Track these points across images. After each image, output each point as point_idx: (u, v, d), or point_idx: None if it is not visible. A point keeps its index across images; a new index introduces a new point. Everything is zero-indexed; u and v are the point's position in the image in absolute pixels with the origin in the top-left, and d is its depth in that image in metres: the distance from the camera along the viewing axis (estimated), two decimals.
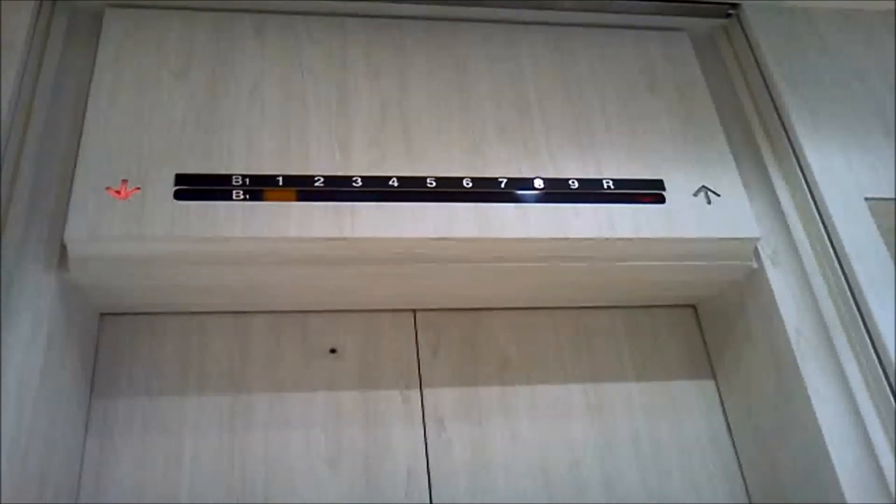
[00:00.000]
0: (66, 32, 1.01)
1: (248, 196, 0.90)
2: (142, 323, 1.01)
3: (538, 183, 0.98)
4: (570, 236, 0.95)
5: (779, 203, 1.05)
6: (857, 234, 0.99)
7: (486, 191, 0.96)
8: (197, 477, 0.94)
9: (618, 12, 1.15)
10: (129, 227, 0.85)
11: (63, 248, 0.86)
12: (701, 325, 1.16)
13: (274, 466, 0.96)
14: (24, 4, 0.95)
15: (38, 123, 0.92)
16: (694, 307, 1.17)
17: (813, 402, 0.92)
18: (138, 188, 0.88)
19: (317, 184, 0.93)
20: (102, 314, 1.01)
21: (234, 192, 0.90)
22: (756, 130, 1.11)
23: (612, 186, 0.99)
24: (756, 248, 1.01)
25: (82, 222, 0.85)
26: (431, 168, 0.96)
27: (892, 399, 0.91)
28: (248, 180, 0.91)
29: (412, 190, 0.94)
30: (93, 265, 0.87)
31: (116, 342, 1.00)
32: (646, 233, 0.97)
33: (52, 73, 0.96)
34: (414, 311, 1.09)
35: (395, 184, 0.94)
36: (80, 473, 0.92)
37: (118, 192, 0.87)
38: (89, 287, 0.91)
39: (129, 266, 0.88)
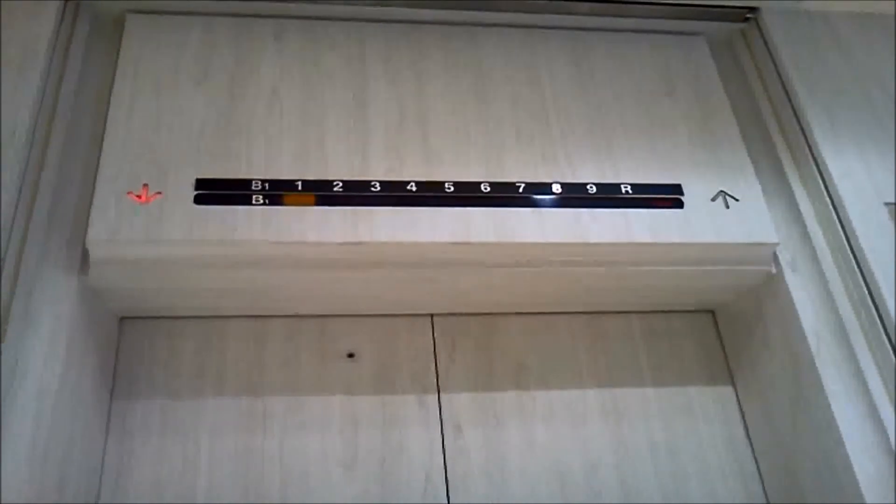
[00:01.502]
0: (88, 38, 1.02)
1: (267, 200, 0.90)
2: (161, 326, 1.02)
3: (556, 187, 0.98)
4: (588, 241, 0.95)
5: (797, 208, 1.04)
6: (877, 239, 0.98)
7: (504, 195, 0.96)
8: (214, 479, 0.94)
9: (635, 17, 1.14)
10: (150, 231, 0.86)
11: (84, 252, 0.87)
12: (719, 331, 1.15)
13: (290, 469, 0.96)
14: (46, 11, 0.96)
15: (60, 128, 0.93)
16: (712, 312, 1.17)
17: (832, 407, 0.91)
18: (160, 192, 0.89)
19: (335, 188, 0.93)
20: (122, 318, 1.01)
21: (253, 196, 0.90)
22: (774, 135, 1.10)
23: (630, 191, 0.99)
24: (774, 254, 1.01)
25: (104, 226, 0.86)
26: (449, 173, 0.97)
27: None
28: (267, 185, 0.92)
29: (430, 195, 0.94)
30: (113, 269, 0.88)
31: (136, 345, 1.01)
32: (663, 237, 0.96)
33: (74, 78, 0.97)
34: (431, 315, 1.09)
35: (414, 188, 0.95)
36: (100, 475, 0.92)
37: (139, 197, 0.88)
38: (109, 291, 0.92)
39: (150, 269, 0.89)
